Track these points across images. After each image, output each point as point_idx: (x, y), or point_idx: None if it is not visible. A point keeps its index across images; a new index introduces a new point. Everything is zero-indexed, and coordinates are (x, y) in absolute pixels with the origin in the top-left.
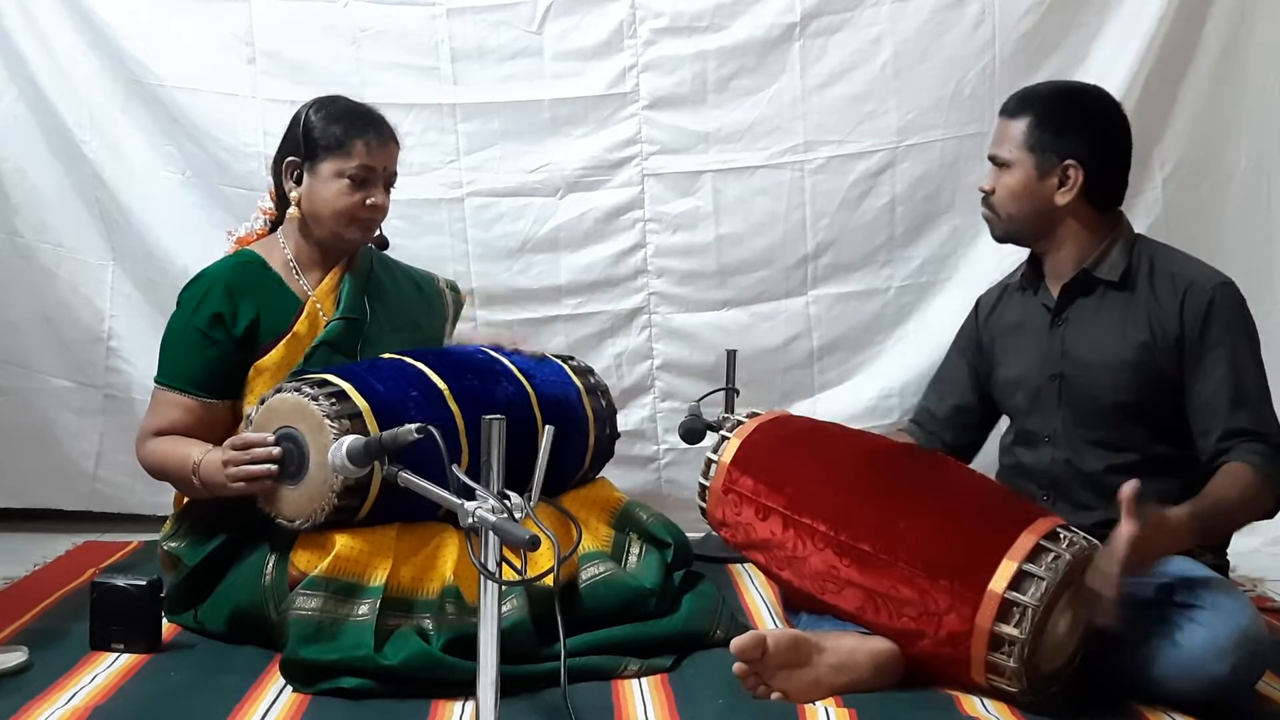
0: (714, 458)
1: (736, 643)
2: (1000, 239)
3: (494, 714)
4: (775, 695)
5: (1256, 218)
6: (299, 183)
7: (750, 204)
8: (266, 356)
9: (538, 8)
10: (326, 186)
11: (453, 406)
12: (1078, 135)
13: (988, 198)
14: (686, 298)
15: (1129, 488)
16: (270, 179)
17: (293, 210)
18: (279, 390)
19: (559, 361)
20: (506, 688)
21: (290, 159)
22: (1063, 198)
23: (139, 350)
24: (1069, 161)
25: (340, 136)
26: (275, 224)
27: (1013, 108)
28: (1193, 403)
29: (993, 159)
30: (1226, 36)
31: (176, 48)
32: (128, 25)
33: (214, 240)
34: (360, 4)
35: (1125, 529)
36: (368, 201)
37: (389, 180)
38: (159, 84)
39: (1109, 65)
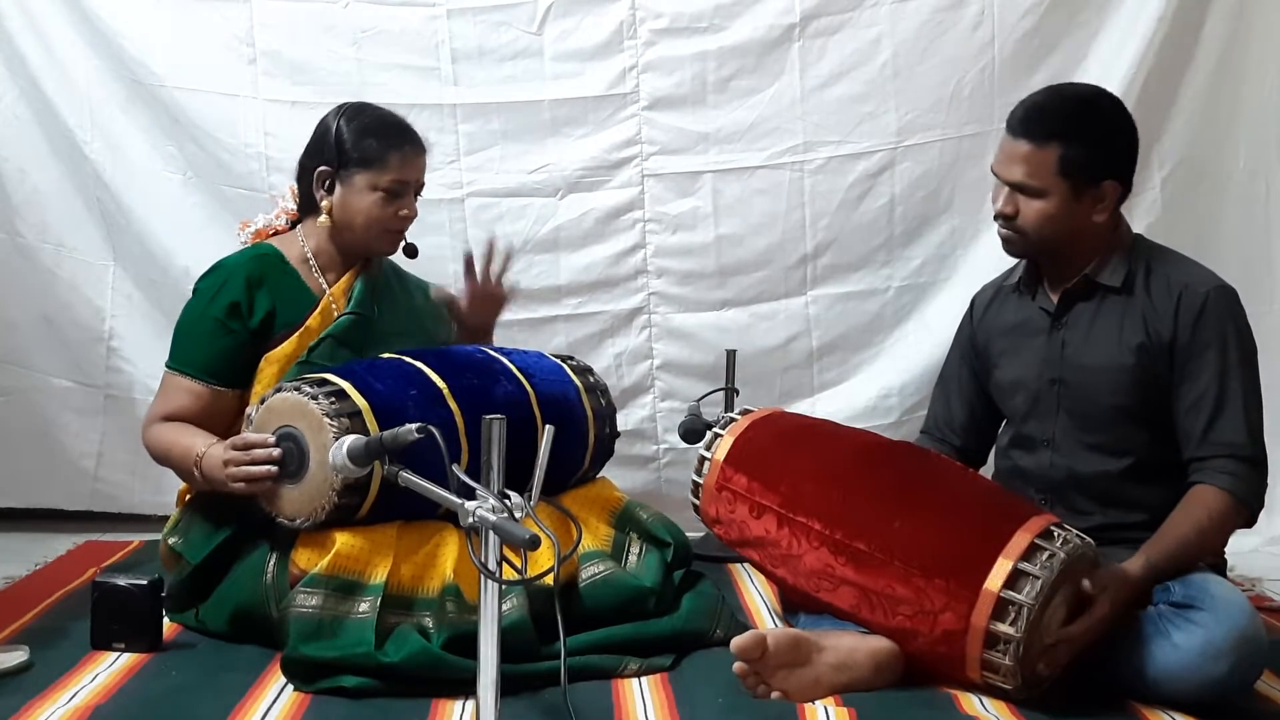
0: (707, 455)
1: (736, 642)
2: (1020, 255)
3: (494, 713)
4: (775, 694)
5: (1255, 217)
6: (330, 191)
7: (750, 204)
8: (278, 348)
9: (538, 8)
10: (360, 198)
11: (452, 405)
12: (1110, 153)
13: (1009, 221)
14: (686, 298)
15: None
16: (294, 181)
17: (323, 219)
18: (278, 390)
19: (557, 361)
20: (507, 686)
21: (322, 168)
22: (1101, 214)
23: (140, 350)
24: (1108, 182)
25: (376, 150)
26: (294, 223)
27: (1035, 132)
28: (1178, 406)
29: (1018, 186)
30: (1226, 36)
31: (177, 48)
32: (128, 25)
33: (215, 240)
34: (361, 4)
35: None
36: (400, 213)
37: (418, 190)
38: (160, 84)
39: (1108, 65)
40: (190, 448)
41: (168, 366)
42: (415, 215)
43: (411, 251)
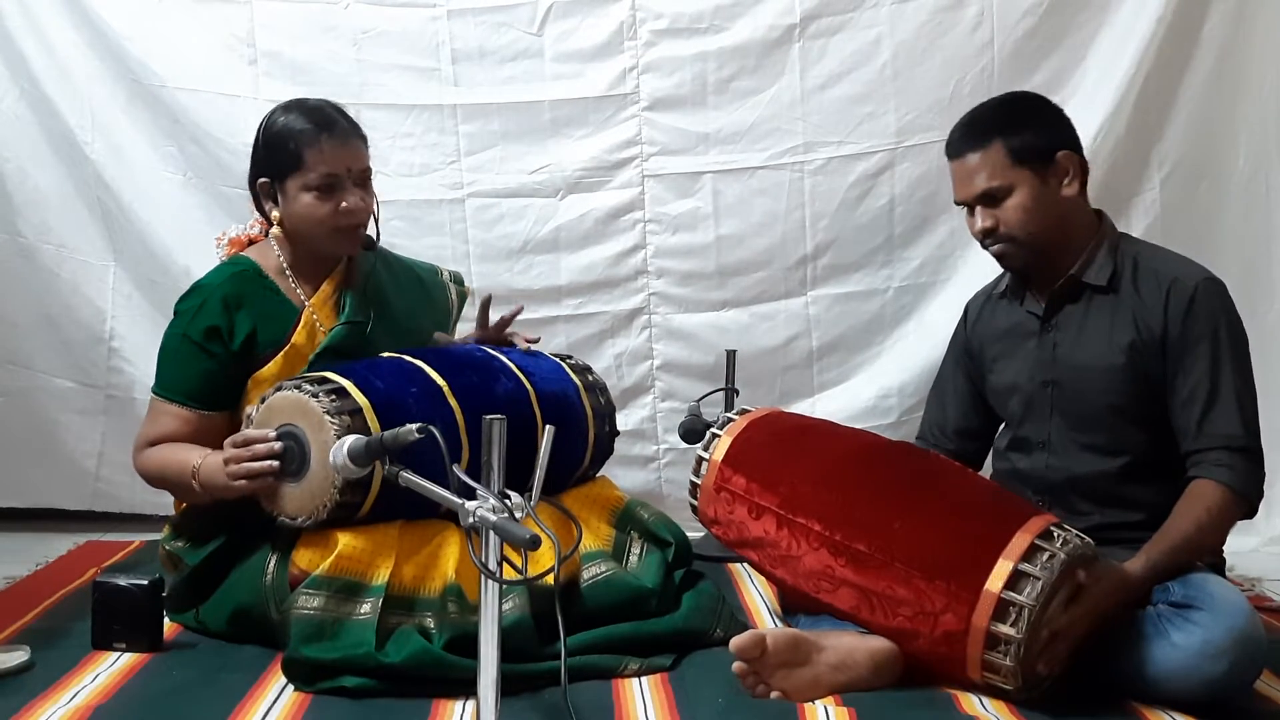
0: (705, 455)
1: (736, 642)
2: (1020, 265)
3: (495, 712)
4: (775, 694)
5: (1255, 218)
6: (276, 202)
7: (750, 205)
8: (265, 368)
9: (538, 9)
10: (297, 203)
11: (452, 403)
12: (1048, 126)
13: (995, 234)
14: (686, 298)
15: None
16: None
17: (276, 230)
18: (279, 388)
19: (557, 360)
20: (507, 686)
21: (260, 180)
22: (1070, 188)
23: (141, 350)
24: (1061, 152)
25: (294, 151)
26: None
27: (975, 139)
28: (1174, 400)
29: (983, 196)
30: (1225, 37)
31: (178, 49)
32: (129, 26)
33: (215, 240)
34: (361, 5)
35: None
36: (341, 206)
37: (361, 178)
38: (160, 85)
39: (1107, 66)
40: (185, 461)
41: (154, 392)
42: (361, 206)
43: (369, 244)
